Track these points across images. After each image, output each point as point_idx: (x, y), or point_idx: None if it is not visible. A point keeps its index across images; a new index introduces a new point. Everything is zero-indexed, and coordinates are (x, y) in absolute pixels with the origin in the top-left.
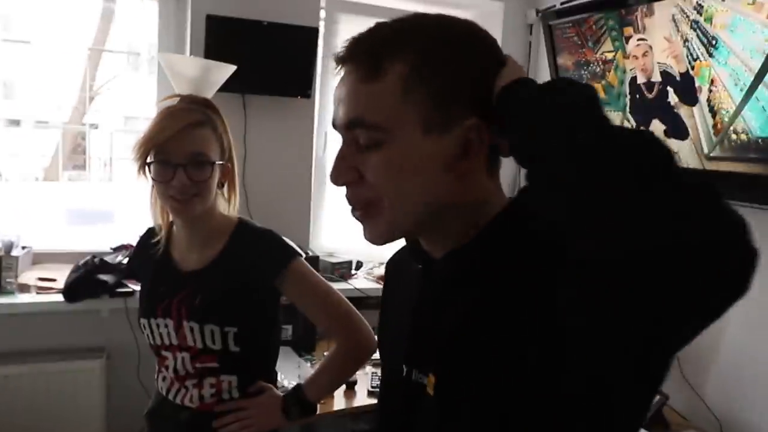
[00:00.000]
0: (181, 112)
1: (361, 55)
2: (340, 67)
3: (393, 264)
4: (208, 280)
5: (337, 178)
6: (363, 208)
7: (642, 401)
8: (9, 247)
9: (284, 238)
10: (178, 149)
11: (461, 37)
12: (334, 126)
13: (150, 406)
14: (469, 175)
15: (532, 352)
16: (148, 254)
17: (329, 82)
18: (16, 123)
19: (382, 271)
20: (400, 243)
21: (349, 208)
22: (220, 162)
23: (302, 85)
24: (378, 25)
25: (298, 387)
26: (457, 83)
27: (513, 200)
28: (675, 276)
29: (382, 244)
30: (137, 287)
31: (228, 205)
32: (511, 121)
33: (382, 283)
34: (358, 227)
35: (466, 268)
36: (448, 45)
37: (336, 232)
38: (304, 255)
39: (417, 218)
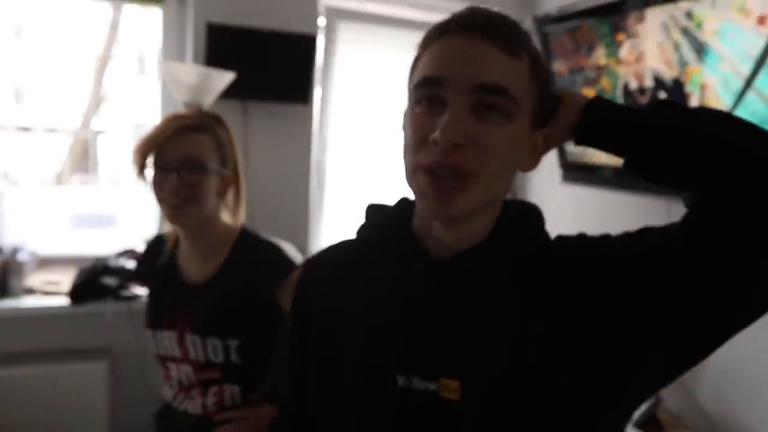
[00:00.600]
0: (181, 117)
1: (501, 28)
2: (467, 31)
3: (336, 266)
4: (210, 293)
5: (454, 135)
6: (461, 176)
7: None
8: (15, 251)
9: (285, 249)
10: (173, 152)
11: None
12: (438, 82)
13: (158, 408)
14: (514, 176)
15: (613, 339)
16: (155, 262)
17: (328, 89)
18: (26, 129)
19: None
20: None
21: (436, 174)
22: (217, 169)
23: (302, 92)
24: (491, 11)
25: None
26: (547, 93)
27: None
28: None
29: (458, 220)
30: (141, 291)
31: (233, 219)
32: (619, 136)
33: (303, 292)
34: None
35: (489, 266)
36: (542, 59)
37: (335, 236)
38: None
39: (490, 201)
